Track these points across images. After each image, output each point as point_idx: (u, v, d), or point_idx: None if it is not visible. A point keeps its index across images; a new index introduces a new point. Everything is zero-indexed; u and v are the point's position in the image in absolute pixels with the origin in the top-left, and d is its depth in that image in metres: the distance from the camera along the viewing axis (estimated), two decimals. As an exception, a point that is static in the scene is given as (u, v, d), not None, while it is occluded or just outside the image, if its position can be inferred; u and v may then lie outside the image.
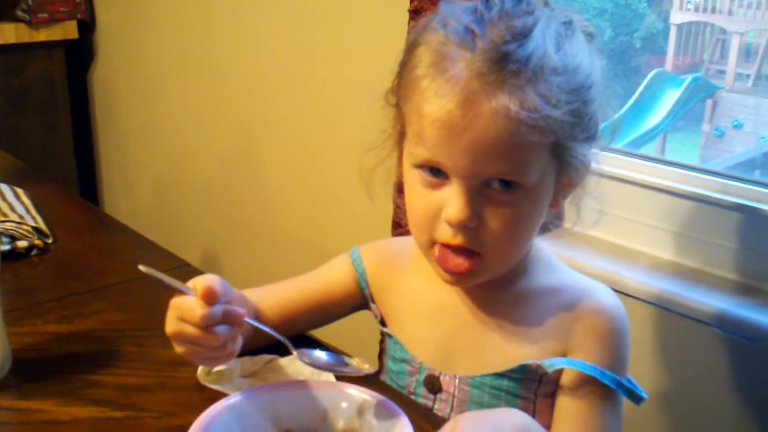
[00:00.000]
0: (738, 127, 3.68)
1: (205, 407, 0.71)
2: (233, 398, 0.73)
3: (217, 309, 0.73)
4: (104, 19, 2.44)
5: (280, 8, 1.77)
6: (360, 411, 0.73)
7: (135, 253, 1.23)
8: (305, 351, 0.78)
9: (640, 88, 3.80)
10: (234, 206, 2.04)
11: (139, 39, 2.31)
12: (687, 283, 1.16)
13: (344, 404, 0.74)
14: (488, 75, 0.72)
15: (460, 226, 0.77)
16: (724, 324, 1.09)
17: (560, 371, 0.83)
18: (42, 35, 2.35)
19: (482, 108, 0.72)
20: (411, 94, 0.78)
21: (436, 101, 0.74)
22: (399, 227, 1.25)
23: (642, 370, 1.20)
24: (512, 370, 0.83)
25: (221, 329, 0.74)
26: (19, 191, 1.38)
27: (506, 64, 0.72)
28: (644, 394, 0.84)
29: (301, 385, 0.77)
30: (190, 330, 0.73)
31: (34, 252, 1.19)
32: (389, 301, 0.93)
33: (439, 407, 0.87)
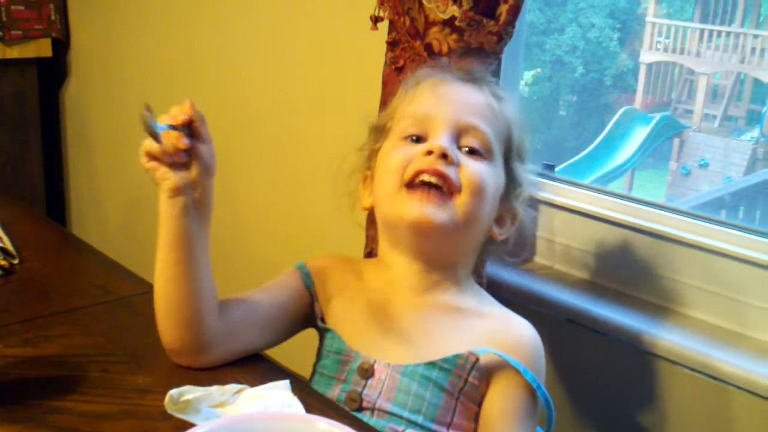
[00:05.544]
0: (704, 166, 3.77)
1: (172, 437, 0.70)
2: (201, 429, 0.72)
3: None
4: (79, 38, 2.42)
5: (259, 35, 1.77)
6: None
7: (102, 275, 1.21)
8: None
9: (610, 125, 3.88)
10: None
11: (112, 59, 2.30)
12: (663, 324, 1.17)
13: (313, 437, 0.73)
14: (464, 77, 1.02)
15: (440, 155, 0.91)
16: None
17: (488, 379, 0.91)
18: (15, 52, 2.32)
19: (465, 85, 1.01)
20: (404, 97, 1.02)
21: (433, 84, 1.01)
22: (370, 256, 1.25)
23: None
24: (445, 360, 0.89)
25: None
26: (-15, 210, 1.36)
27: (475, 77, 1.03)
28: (553, 410, 0.90)
29: (270, 416, 0.76)
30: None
31: (-1, 273, 1.17)
32: (330, 299, 1.00)
33: (368, 393, 0.91)
